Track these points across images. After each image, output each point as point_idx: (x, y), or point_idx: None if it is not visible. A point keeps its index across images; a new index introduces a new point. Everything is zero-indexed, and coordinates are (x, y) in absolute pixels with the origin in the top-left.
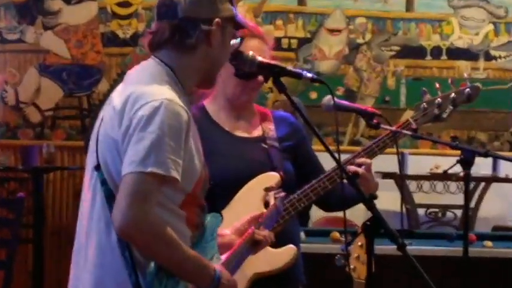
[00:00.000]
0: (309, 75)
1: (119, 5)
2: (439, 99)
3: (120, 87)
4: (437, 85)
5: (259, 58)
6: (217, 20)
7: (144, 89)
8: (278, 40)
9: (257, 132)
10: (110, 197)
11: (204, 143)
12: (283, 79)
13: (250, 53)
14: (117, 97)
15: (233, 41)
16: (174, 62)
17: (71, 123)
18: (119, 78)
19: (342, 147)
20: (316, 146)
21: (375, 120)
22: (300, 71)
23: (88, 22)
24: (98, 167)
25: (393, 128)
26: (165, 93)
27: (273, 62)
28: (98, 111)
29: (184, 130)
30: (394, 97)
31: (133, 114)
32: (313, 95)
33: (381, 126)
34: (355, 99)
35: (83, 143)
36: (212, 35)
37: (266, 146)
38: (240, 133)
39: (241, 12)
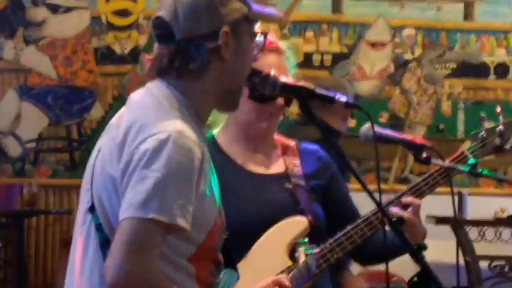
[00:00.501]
0: (343, 99)
1: (116, 14)
2: (500, 126)
3: (121, 114)
4: (498, 109)
5: (283, 79)
6: (224, 29)
7: (149, 118)
8: (308, 56)
9: (279, 168)
10: (105, 245)
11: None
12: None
13: (272, 72)
14: (117, 126)
15: (256, 40)
16: (183, 88)
17: (57, 158)
18: (115, 102)
19: (386, 186)
20: (353, 184)
21: (424, 154)
22: (332, 94)
23: (78, 35)
24: (92, 209)
25: (445, 163)
26: (174, 123)
27: (299, 83)
28: (90, 143)
29: (196, 169)
30: (450, 125)
31: (135, 148)
32: (351, 123)
33: (431, 162)
34: (402, 127)
35: (72, 181)
36: (223, 49)
37: (290, 185)
38: (257, 169)
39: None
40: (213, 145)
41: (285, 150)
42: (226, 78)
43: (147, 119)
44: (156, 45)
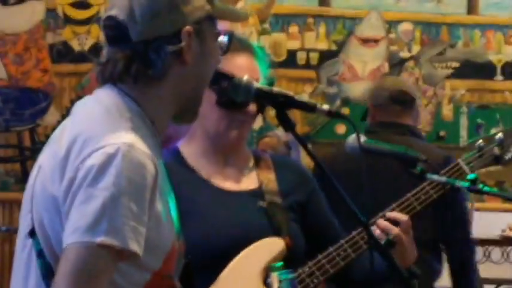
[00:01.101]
0: (325, 107)
1: (74, 5)
2: (500, 134)
3: (64, 126)
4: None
5: (257, 84)
6: (187, 29)
7: (96, 129)
8: (292, 54)
9: (251, 184)
10: (47, 274)
11: (179, 200)
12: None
13: (245, 77)
14: (59, 139)
15: (220, 39)
16: (137, 95)
17: (7, 168)
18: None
19: None
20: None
21: (418, 167)
22: (313, 102)
23: (31, 29)
24: (32, 233)
25: (441, 178)
26: (124, 135)
27: (275, 89)
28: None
29: (149, 187)
30: (452, 132)
31: (80, 163)
32: (340, 129)
33: (427, 176)
34: None
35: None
36: (185, 52)
37: (264, 203)
38: (227, 185)
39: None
40: (176, 158)
41: (259, 163)
42: (187, 84)
43: (94, 130)
44: (106, 49)
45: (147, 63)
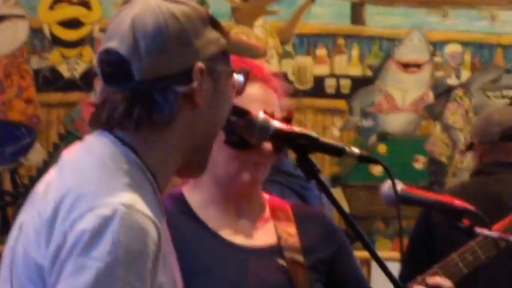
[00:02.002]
0: (355, 151)
1: (63, 24)
2: None
3: (49, 179)
4: None
5: (276, 124)
6: (199, 66)
7: (88, 186)
8: (320, 81)
9: (269, 239)
10: None
11: (184, 257)
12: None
13: (261, 115)
14: (44, 195)
15: (235, 78)
16: (138, 143)
17: None
18: (62, 142)
19: None
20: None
21: (465, 221)
22: (340, 146)
23: (13, 52)
24: None
25: (493, 234)
26: (122, 193)
27: (297, 129)
28: (28, 196)
29: (151, 255)
30: None
31: (69, 226)
32: (376, 170)
33: (475, 232)
34: (444, 175)
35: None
36: (196, 93)
37: (284, 262)
38: (240, 239)
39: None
40: (181, 206)
41: (276, 214)
42: (196, 131)
43: (85, 187)
44: (102, 87)
45: (152, 107)
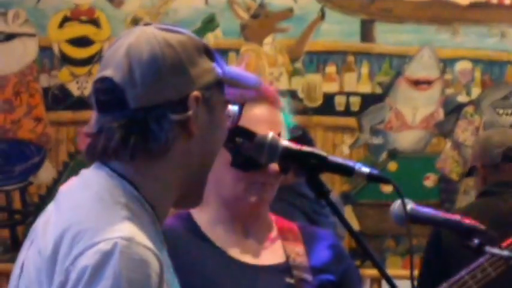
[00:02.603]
0: (364, 170)
1: (73, 42)
2: None
3: (47, 216)
4: None
5: (284, 143)
6: (194, 94)
7: (87, 221)
8: (329, 98)
9: (277, 257)
10: None
11: (193, 276)
12: None
13: (270, 134)
14: (44, 233)
15: (230, 110)
16: (134, 175)
17: None
18: (72, 161)
19: None
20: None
21: (475, 240)
22: (350, 163)
23: (22, 70)
24: None
25: (503, 253)
26: (121, 227)
27: (306, 149)
28: (37, 215)
29: (153, 286)
30: None
31: (70, 263)
32: (387, 188)
33: (486, 250)
34: (455, 193)
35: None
36: (191, 122)
37: (292, 280)
38: (248, 258)
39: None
40: (189, 226)
41: (284, 234)
42: (192, 161)
43: (84, 223)
44: (96, 117)
45: (148, 136)
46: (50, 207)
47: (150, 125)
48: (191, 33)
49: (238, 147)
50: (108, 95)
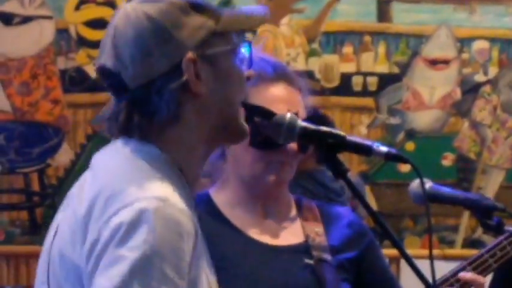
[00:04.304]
0: (383, 149)
1: (89, 24)
2: None
3: (83, 181)
4: None
5: (301, 123)
6: (188, 57)
7: (121, 183)
8: (347, 78)
9: (296, 237)
10: None
11: (212, 255)
12: None
13: (288, 115)
14: (79, 196)
15: (241, 53)
16: (158, 141)
17: (12, 217)
18: (90, 143)
19: (452, 251)
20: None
21: (494, 219)
22: (368, 143)
23: (39, 53)
24: None
25: None
26: (156, 188)
27: (324, 128)
28: (56, 198)
29: (187, 248)
30: None
31: (104, 223)
32: (404, 167)
33: (504, 229)
34: (473, 172)
35: (32, 249)
36: (193, 84)
37: (311, 260)
38: (268, 238)
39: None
40: (209, 207)
41: (303, 213)
42: (210, 115)
43: (119, 184)
44: (112, 100)
45: (151, 110)
46: (84, 176)
47: (152, 99)
48: None
49: (256, 127)
50: (108, 80)
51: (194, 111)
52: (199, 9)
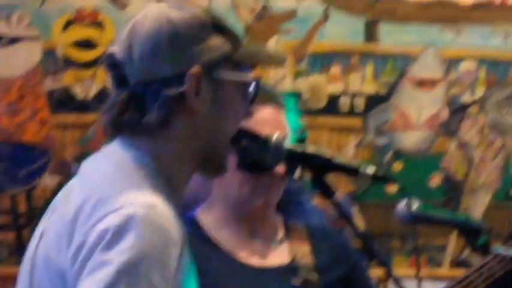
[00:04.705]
0: (369, 171)
1: (77, 45)
2: None
3: (70, 187)
4: None
5: (289, 144)
6: (194, 70)
7: (109, 189)
8: (334, 99)
9: (282, 258)
10: None
11: (198, 279)
12: None
13: (275, 136)
14: (66, 201)
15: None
16: (148, 148)
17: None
18: (77, 163)
19: (440, 272)
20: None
21: (481, 238)
22: (354, 165)
23: (27, 74)
24: None
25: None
26: (143, 195)
27: (310, 150)
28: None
29: (173, 256)
30: None
31: (91, 227)
32: (392, 188)
33: (491, 249)
34: (460, 193)
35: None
36: (190, 97)
37: (298, 281)
38: (254, 260)
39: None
40: (195, 229)
41: (290, 232)
42: (202, 135)
43: (107, 190)
44: (112, 92)
45: (143, 109)
46: (72, 182)
47: (146, 99)
48: (204, 10)
49: (244, 150)
50: (113, 70)
51: (184, 125)
52: (222, 30)
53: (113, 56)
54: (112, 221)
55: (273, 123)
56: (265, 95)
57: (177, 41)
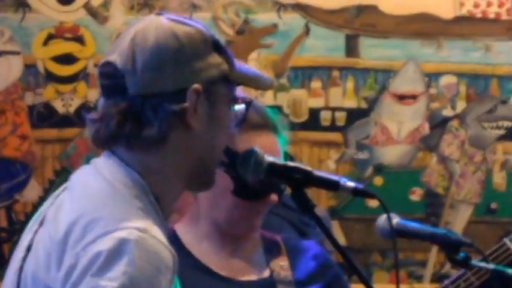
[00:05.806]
0: (349, 185)
1: (57, 60)
2: None
3: (60, 202)
4: None
5: (269, 158)
6: (195, 87)
7: (101, 210)
8: (315, 113)
9: (261, 273)
10: None
11: None
12: None
13: (256, 148)
14: (54, 217)
15: (237, 107)
16: (138, 164)
17: None
18: (58, 178)
19: (420, 287)
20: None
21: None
22: (336, 178)
23: (7, 88)
24: None
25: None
26: (136, 218)
27: (291, 164)
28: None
29: (164, 282)
30: (505, 204)
31: (82, 249)
32: (373, 202)
33: (471, 264)
34: (441, 207)
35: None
36: (189, 114)
37: None
38: (233, 274)
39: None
40: (175, 244)
41: (268, 248)
42: (192, 153)
43: (99, 211)
44: (101, 101)
45: (142, 123)
46: (62, 194)
47: (145, 112)
48: (204, 26)
49: (240, 176)
50: (110, 79)
51: (179, 140)
52: (220, 50)
53: (111, 65)
54: (104, 244)
55: (268, 150)
56: (261, 121)
57: (182, 57)
